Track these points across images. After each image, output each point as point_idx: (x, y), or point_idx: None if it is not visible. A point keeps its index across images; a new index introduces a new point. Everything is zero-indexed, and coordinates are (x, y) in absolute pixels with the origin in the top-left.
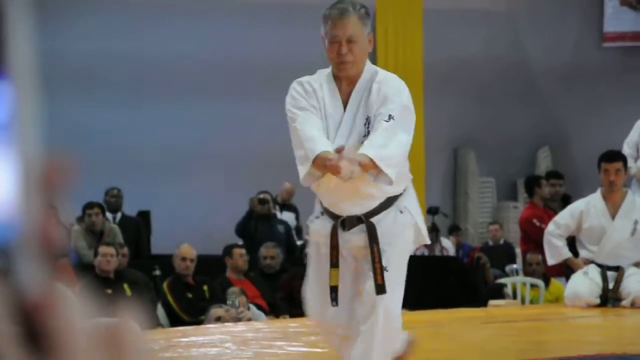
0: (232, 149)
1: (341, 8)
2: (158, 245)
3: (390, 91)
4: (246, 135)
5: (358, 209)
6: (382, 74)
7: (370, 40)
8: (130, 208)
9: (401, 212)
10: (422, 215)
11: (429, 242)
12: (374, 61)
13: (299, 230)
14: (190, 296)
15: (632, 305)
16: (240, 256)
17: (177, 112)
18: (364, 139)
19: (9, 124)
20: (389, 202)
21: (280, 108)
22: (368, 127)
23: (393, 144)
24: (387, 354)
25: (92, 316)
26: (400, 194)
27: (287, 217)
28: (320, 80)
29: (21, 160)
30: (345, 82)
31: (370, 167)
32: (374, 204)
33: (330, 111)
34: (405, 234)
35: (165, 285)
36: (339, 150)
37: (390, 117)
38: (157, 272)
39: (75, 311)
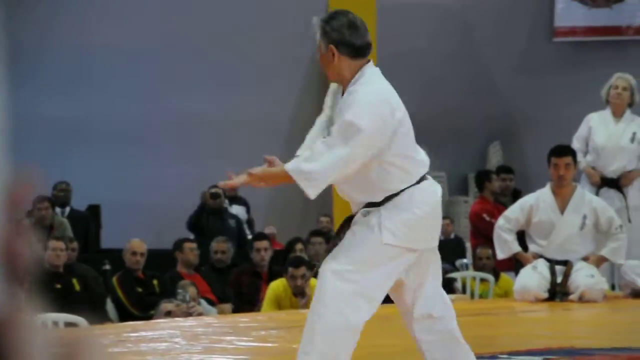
0: (178, 143)
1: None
2: (108, 239)
3: (344, 105)
4: (197, 128)
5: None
6: (356, 86)
7: (332, 52)
8: (79, 202)
9: (363, 215)
10: (402, 228)
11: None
12: None
13: (251, 223)
14: (140, 291)
15: (580, 299)
16: (190, 250)
17: (125, 103)
18: None
19: None
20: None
21: (229, 100)
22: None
23: (322, 158)
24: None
25: (41, 312)
26: (379, 203)
27: (237, 210)
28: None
29: None
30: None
31: (285, 179)
32: (354, 209)
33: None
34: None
35: (114, 279)
36: (268, 160)
37: (330, 132)
38: (107, 267)
39: (36, 332)
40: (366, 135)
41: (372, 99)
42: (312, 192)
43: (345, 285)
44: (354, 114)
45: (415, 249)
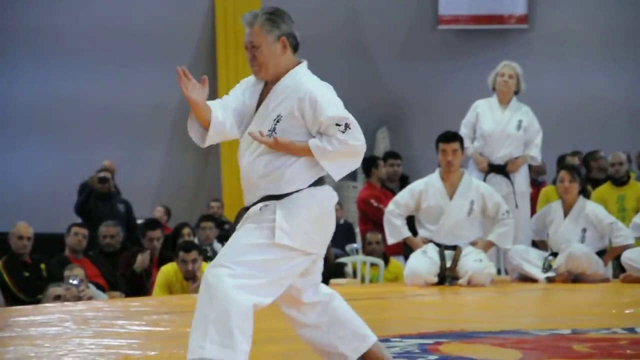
0: (63, 124)
1: (245, 17)
2: None
3: (298, 104)
4: (77, 110)
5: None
6: (302, 82)
7: (283, 44)
8: None
9: (260, 210)
10: (297, 229)
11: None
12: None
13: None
14: (27, 275)
15: (469, 283)
16: (75, 235)
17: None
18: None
19: None
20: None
21: (110, 80)
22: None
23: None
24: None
25: None
26: (277, 196)
27: None
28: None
29: None
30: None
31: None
32: (249, 199)
33: (248, 103)
34: (254, 229)
35: (0, 264)
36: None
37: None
38: None
39: None
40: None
41: (330, 92)
42: (337, 174)
43: (241, 294)
44: (338, 109)
45: (310, 253)
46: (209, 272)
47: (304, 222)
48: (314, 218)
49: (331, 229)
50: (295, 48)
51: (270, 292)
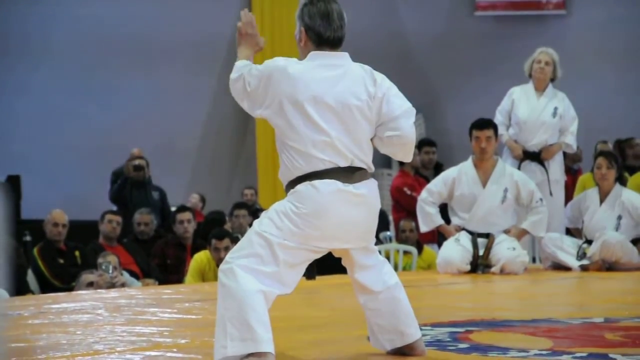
0: (99, 116)
1: None
2: (28, 210)
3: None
4: (113, 102)
5: None
6: None
7: (302, 35)
8: None
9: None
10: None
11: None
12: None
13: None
14: (61, 262)
15: (502, 271)
16: (109, 222)
17: (51, 77)
18: None
19: None
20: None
21: (141, 77)
22: None
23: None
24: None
25: None
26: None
27: None
28: None
29: None
30: None
31: None
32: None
33: None
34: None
35: (35, 250)
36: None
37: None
38: (28, 238)
39: None
40: None
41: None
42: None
43: (249, 284)
44: None
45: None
46: (219, 271)
47: (294, 215)
48: (305, 213)
49: (329, 222)
50: (317, 42)
51: (278, 280)
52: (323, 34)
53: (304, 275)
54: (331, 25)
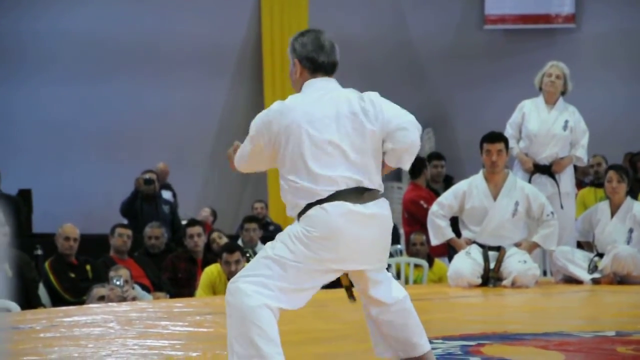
0: (111, 129)
1: None
2: (39, 224)
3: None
4: (125, 116)
5: None
6: None
7: (297, 66)
8: (9, 187)
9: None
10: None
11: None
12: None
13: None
14: (73, 276)
15: (513, 285)
16: (119, 236)
17: (56, 90)
18: None
19: None
20: None
21: (156, 89)
22: None
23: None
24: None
25: None
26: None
27: (165, 196)
28: None
29: None
30: None
31: None
32: None
33: None
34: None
35: (47, 264)
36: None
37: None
38: (39, 252)
39: None
40: (251, 138)
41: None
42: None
43: (251, 300)
44: (254, 122)
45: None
46: (226, 291)
47: (306, 239)
48: (317, 236)
49: (342, 244)
50: (312, 69)
51: (285, 296)
52: (317, 59)
53: (349, 297)
54: (324, 51)
